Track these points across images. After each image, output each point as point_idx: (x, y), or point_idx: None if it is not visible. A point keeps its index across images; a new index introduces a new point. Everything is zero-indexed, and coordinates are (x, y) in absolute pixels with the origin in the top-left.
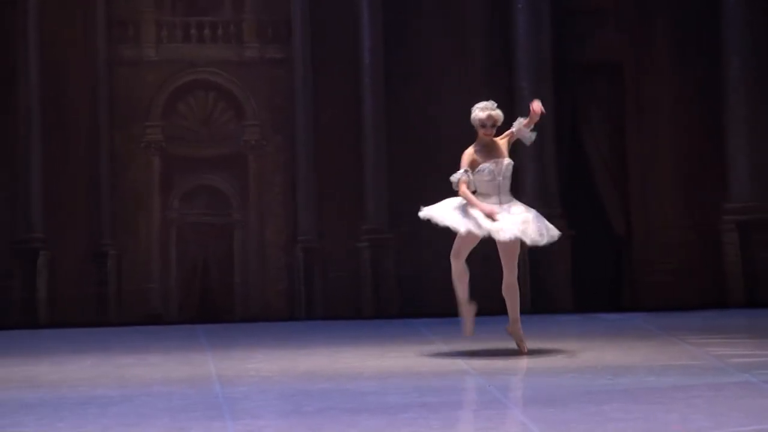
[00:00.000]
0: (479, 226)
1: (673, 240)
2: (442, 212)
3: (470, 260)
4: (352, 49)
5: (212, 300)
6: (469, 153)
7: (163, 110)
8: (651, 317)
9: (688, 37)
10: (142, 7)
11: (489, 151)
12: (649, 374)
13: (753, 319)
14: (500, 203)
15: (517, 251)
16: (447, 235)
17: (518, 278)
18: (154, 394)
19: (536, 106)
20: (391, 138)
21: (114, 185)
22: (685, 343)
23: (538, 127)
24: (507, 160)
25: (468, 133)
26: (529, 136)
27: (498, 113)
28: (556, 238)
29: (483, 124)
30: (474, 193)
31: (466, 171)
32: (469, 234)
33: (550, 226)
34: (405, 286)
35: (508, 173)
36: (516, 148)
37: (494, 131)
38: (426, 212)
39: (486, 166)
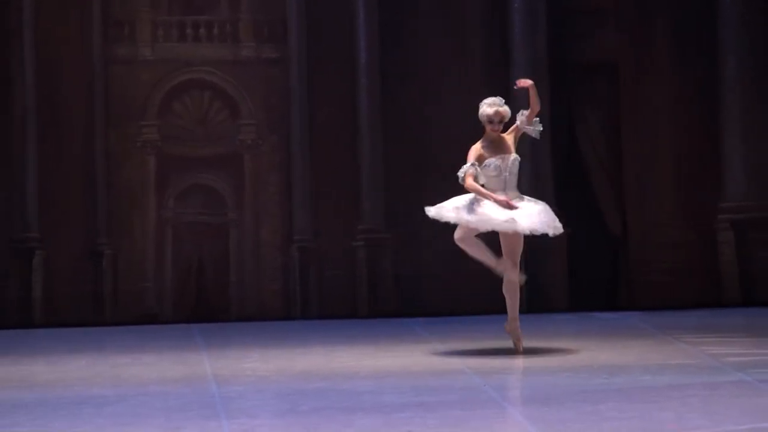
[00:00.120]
0: (491, 220)
1: (668, 239)
2: (451, 211)
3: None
4: (348, 48)
5: (208, 299)
6: (476, 148)
7: (159, 109)
8: (647, 316)
9: (685, 37)
10: (138, 6)
11: (496, 147)
12: (645, 373)
13: (748, 318)
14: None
15: (520, 248)
16: (443, 234)
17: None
18: (150, 393)
19: (522, 81)
20: (388, 137)
21: (109, 184)
22: (681, 342)
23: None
24: (513, 156)
25: (465, 133)
26: (536, 130)
27: (505, 109)
28: (561, 232)
29: (490, 119)
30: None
31: (473, 164)
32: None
33: (556, 218)
34: (401, 285)
35: (515, 169)
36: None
37: (501, 127)
38: (435, 212)
39: (492, 161)
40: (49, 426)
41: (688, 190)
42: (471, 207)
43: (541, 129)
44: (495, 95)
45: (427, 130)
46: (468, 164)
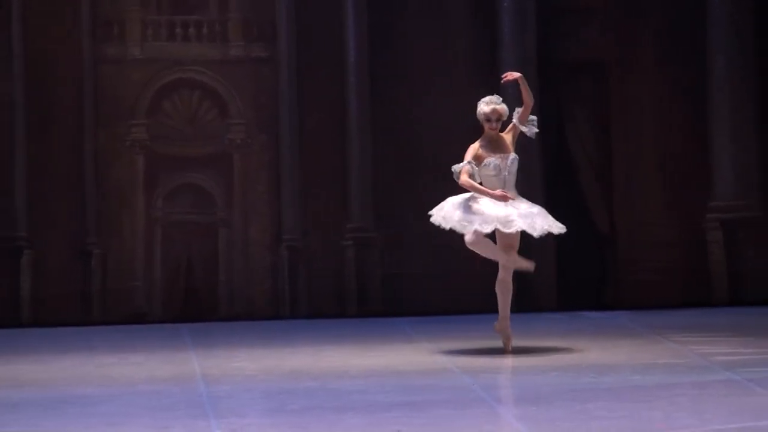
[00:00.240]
0: (486, 222)
1: (657, 238)
2: (449, 217)
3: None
4: (338, 48)
5: (197, 299)
6: (474, 147)
7: (148, 109)
8: (635, 315)
9: (674, 36)
10: (128, 6)
11: (495, 146)
12: (634, 372)
13: (737, 317)
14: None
15: (516, 247)
16: (432, 234)
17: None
18: (139, 393)
19: (509, 74)
20: (377, 137)
21: (98, 184)
22: (669, 341)
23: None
24: (513, 155)
25: (455, 133)
26: (531, 129)
27: (503, 107)
28: (564, 231)
29: (488, 118)
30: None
31: (469, 162)
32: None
33: (556, 221)
34: (389, 285)
35: (514, 168)
36: None
37: (500, 125)
38: (436, 218)
39: (492, 160)
40: (38, 425)
41: (677, 189)
42: (469, 209)
43: (537, 131)
44: (484, 95)
45: (416, 129)
46: (464, 161)
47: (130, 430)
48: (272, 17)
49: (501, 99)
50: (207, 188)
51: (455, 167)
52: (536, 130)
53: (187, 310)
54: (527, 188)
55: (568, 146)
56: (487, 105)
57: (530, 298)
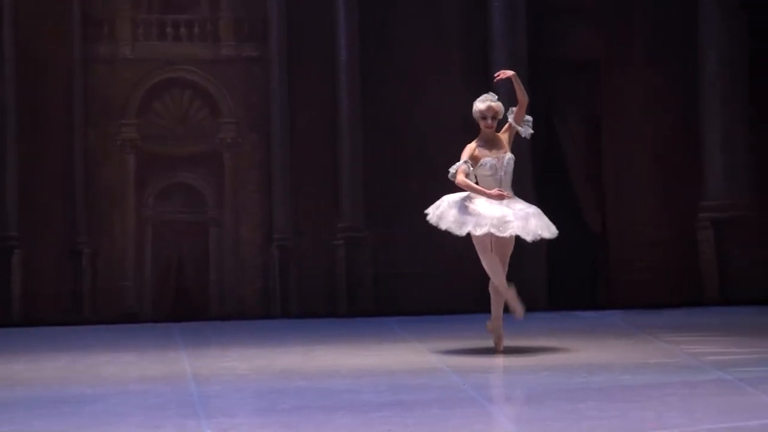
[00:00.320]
0: (479, 225)
1: (648, 238)
2: (444, 216)
3: (448, 259)
4: (329, 47)
5: (187, 298)
6: (470, 147)
7: (139, 108)
8: (626, 315)
9: (665, 33)
10: (118, 5)
11: (491, 146)
12: (624, 372)
13: (727, 316)
14: (499, 200)
15: (511, 248)
16: (422, 234)
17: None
18: (129, 392)
19: (502, 72)
20: (368, 136)
21: (89, 183)
22: (660, 341)
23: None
24: (509, 155)
25: (446, 131)
26: (527, 130)
27: (498, 104)
28: (556, 235)
29: (483, 115)
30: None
31: (466, 162)
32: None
33: (550, 223)
34: (380, 284)
35: (510, 168)
36: None
37: (495, 123)
38: (432, 217)
39: (488, 160)
40: (28, 425)
41: (668, 188)
42: (465, 209)
43: (532, 132)
44: (475, 94)
45: (407, 128)
46: (461, 161)
47: (121, 429)
48: (263, 16)
49: (496, 97)
50: (198, 187)
51: (451, 168)
52: (531, 131)
53: (178, 309)
54: (518, 188)
55: (559, 145)
56: (482, 102)
57: (522, 298)
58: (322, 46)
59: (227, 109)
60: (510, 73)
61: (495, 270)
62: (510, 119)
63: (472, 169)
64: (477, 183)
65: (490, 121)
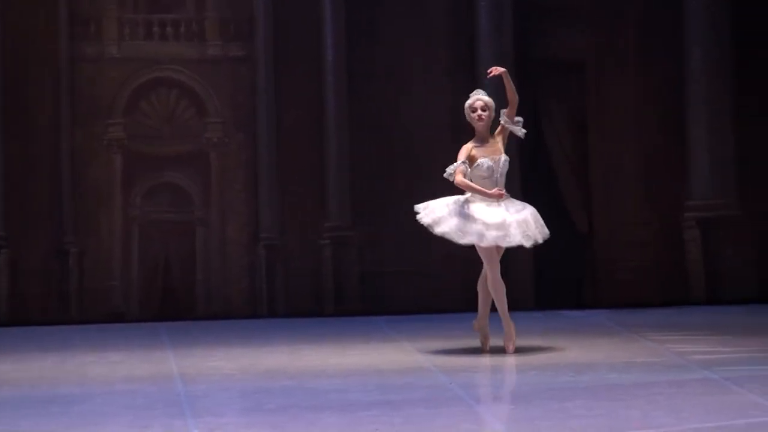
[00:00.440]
0: (484, 236)
1: (634, 237)
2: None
3: (435, 258)
4: (315, 46)
5: (174, 298)
6: (467, 147)
7: (126, 108)
8: (613, 314)
9: (651, 33)
10: (105, 5)
11: (487, 147)
12: (611, 371)
13: (714, 316)
14: (497, 201)
15: (502, 250)
16: (409, 232)
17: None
18: (116, 392)
19: (494, 69)
20: (354, 135)
21: (76, 183)
22: (647, 340)
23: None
24: (504, 156)
25: (432, 130)
26: (519, 129)
27: (488, 98)
28: (548, 237)
29: (473, 109)
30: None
31: (464, 162)
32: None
33: (544, 224)
34: (367, 283)
35: (505, 170)
36: None
37: (487, 117)
38: (426, 220)
39: (485, 161)
40: (16, 425)
41: (655, 187)
42: (467, 217)
43: (525, 131)
44: (462, 93)
45: (394, 127)
46: (458, 162)
47: (107, 429)
48: (249, 15)
49: (484, 92)
50: (184, 187)
51: (449, 168)
52: (524, 130)
53: (164, 309)
54: (506, 188)
55: (545, 145)
56: (471, 97)
57: (508, 297)
58: (309, 46)
59: (214, 109)
60: (502, 69)
61: (502, 298)
62: (502, 120)
63: (469, 170)
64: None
65: (480, 112)
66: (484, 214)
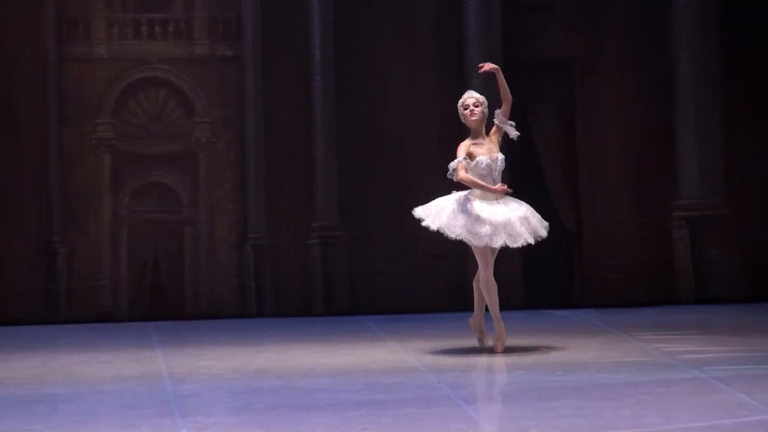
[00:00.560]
0: (494, 236)
1: (623, 236)
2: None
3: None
4: (303, 47)
5: (163, 297)
6: (465, 144)
7: (114, 107)
8: (601, 314)
9: (640, 34)
10: (93, 4)
11: (483, 146)
12: (600, 371)
13: (702, 315)
14: (496, 198)
15: (498, 248)
16: (397, 232)
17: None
18: (105, 391)
19: (486, 65)
20: (342, 135)
21: (64, 182)
22: (636, 339)
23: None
24: (501, 155)
25: (420, 130)
26: (512, 131)
27: (480, 96)
28: (548, 227)
29: (466, 106)
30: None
31: (465, 158)
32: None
33: (542, 220)
34: (355, 283)
35: (502, 168)
36: None
37: (481, 114)
38: (427, 221)
39: (484, 159)
40: (4, 423)
41: (643, 187)
42: (476, 218)
43: (518, 134)
44: (450, 93)
45: (382, 128)
46: (459, 158)
47: (96, 428)
48: (237, 15)
49: (475, 91)
50: (173, 187)
51: (451, 165)
52: (518, 132)
53: (153, 308)
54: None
55: (533, 144)
56: (463, 96)
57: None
58: (297, 46)
59: (202, 109)
60: (494, 66)
61: (494, 298)
62: (496, 121)
63: (470, 165)
64: None
65: (473, 108)
66: (489, 215)
